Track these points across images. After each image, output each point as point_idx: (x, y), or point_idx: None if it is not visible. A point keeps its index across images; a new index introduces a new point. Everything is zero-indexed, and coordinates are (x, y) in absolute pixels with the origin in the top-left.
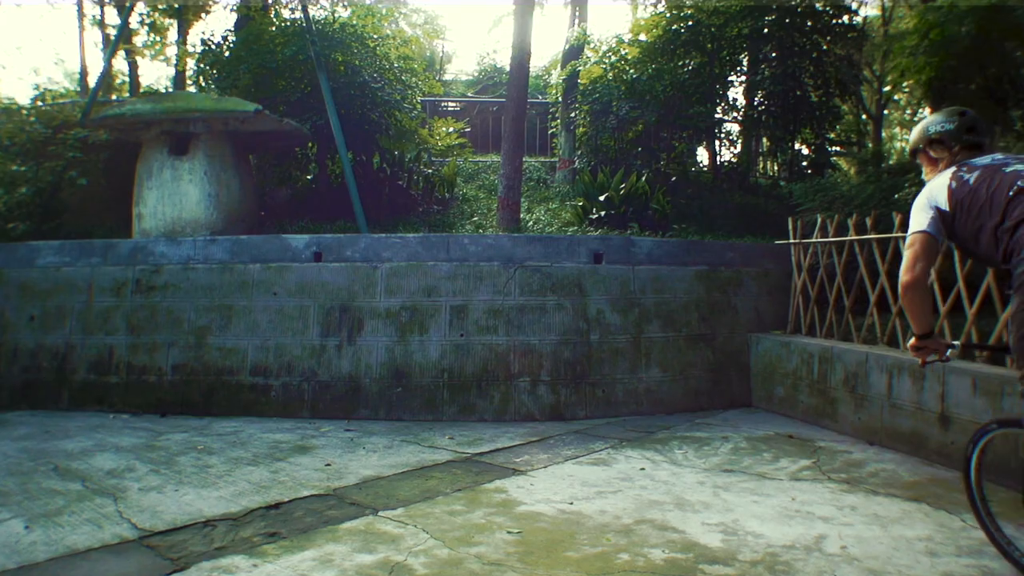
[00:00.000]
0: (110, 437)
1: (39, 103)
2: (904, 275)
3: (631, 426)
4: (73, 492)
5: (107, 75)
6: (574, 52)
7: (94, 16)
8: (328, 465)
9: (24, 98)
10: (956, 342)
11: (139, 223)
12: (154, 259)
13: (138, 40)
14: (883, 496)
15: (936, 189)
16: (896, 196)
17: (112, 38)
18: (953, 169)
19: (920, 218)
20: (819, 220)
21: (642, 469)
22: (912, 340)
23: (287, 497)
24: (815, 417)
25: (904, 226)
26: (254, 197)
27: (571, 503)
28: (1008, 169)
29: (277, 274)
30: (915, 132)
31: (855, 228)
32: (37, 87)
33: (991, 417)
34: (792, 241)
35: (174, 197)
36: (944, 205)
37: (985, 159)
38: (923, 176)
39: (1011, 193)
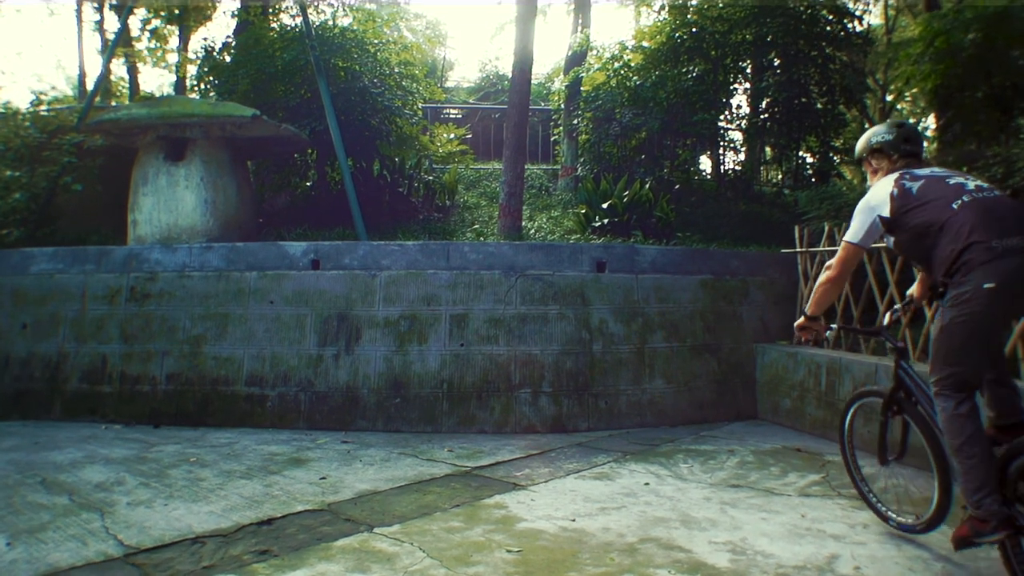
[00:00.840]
0: (101, 449)
1: (37, 108)
2: (829, 272)
3: (635, 439)
4: (59, 507)
5: (105, 79)
6: (577, 58)
7: (95, 22)
8: (323, 479)
9: (25, 104)
10: (834, 325)
11: (134, 230)
12: (149, 266)
13: (140, 46)
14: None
15: (879, 197)
16: None
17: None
18: (896, 176)
19: (858, 226)
20: (826, 228)
21: (646, 484)
22: (801, 320)
23: (280, 512)
24: (823, 430)
25: None
26: (252, 204)
27: (573, 520)
28: (951, 181)
29: (274, 282)
30: (860, 142)
31: None
32: (33, 91)
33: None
34: (798, 250)
35: (170, 203)
36: (885, 212)
37: (926, 170)
38: (867, 182)
39: (955, 206)
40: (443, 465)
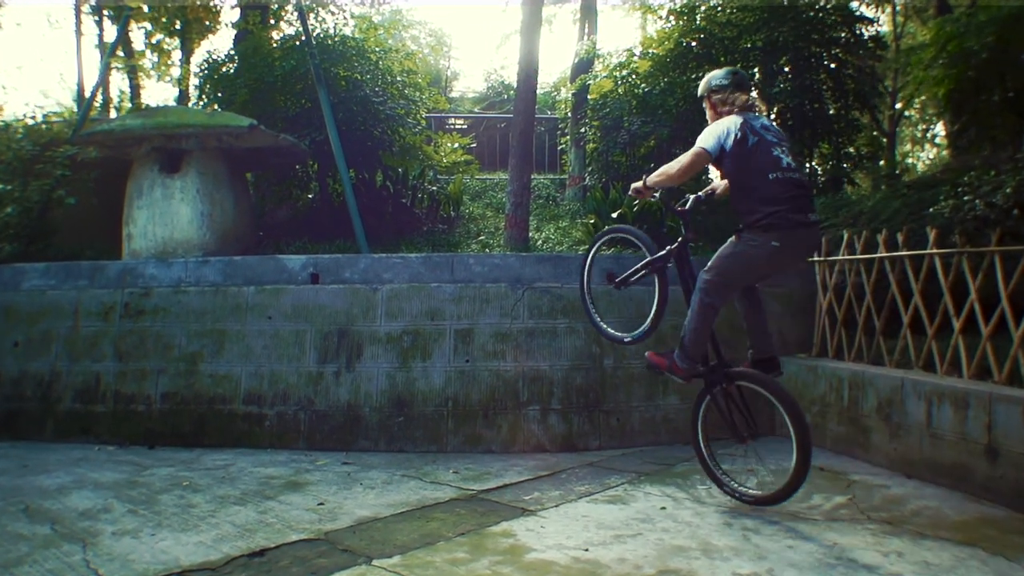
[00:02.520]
0: (91, 472)
1: (28, 120)
2: (677, 170)
3: (649, 458)
4: (39, 537)
5: (102, 87)
6: (583, 66)
7: (97, 35)
8: (321, 504)
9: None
10: (658, 193)
11: (129, 244)
12: (143, 281)
13: (144, 61)
14: (931, 540)
15: (727, 129)
16: (931, 210)
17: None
18: (741, 121)
19: (710, 140)
20: (845, 236)
21: (663, 508)
22: (640, 184)
23: (273, 542)
24: (845, 446)
25: (940, 243)
26: (250, 216)
27: (586, 549)
28: (775, 152)
29: (272, 297)
30: (702, 83)
31: (885, 244)
32: (27, 103)
33: None
34: (817, 259)
35: (165, 216)
36: (728, 145)
37: (761, 129)
38: (707, 118)
39: (771, 177)
40: (448, 488)
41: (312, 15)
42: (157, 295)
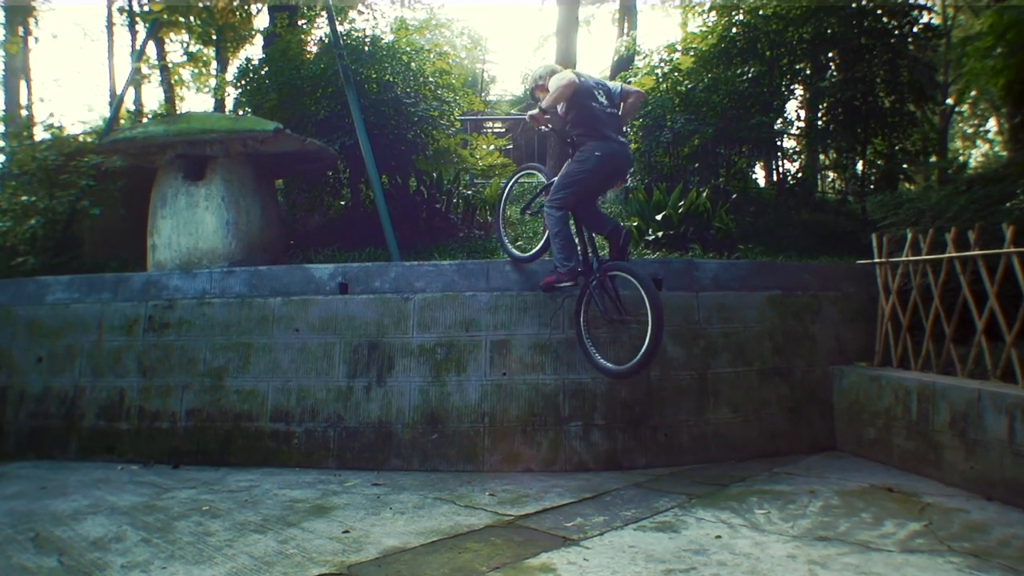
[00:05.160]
0: (109, 495)
1: (55, 130)
2: (561, 90)
3: (699, 477)
4: (44, 571)
5: (135, 90)
6: (623, 63)
7: (131, 44)
8: (346, 532)
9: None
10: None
11: (153, 254)
12: (168, 293)
13: (184, 73)
14: None
15: (573, 74)
16: (1008, 204)
17: (143, 72)
18: (574, 72)
19: (570, 72)
20: (909, 236)
21: (718, 537)
22: (538, 111)
23: None
24: (915, 464)
25: (1017, 240)
26: (278, 224)
27: None
28: (596, 92)
29: (299, 308)
30: (528, 80)
31: (955, 243)
32: (51, 114)
33: None
34: (877, 260)
35: (189, 226)
36: (570, 91)
37: (587, 76)
38: (540, 102)
39: (595, 107)
40: (483, 513)
41: (341, 17)
42: (181, 307)
